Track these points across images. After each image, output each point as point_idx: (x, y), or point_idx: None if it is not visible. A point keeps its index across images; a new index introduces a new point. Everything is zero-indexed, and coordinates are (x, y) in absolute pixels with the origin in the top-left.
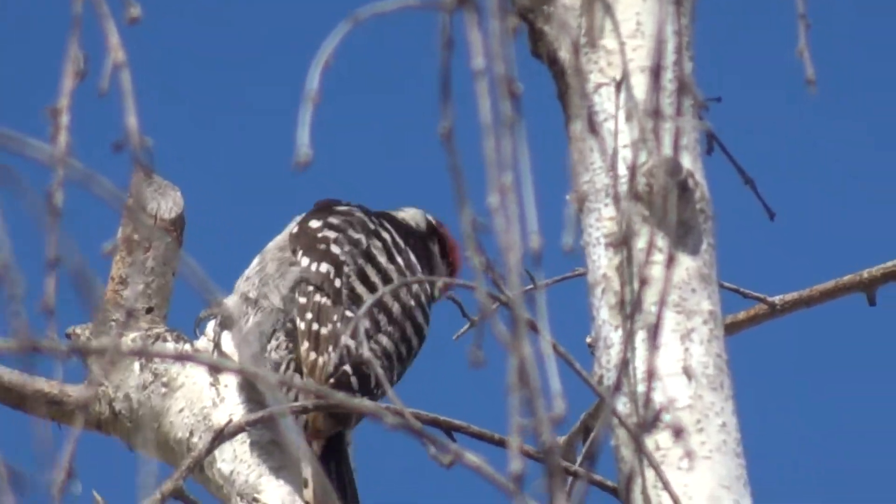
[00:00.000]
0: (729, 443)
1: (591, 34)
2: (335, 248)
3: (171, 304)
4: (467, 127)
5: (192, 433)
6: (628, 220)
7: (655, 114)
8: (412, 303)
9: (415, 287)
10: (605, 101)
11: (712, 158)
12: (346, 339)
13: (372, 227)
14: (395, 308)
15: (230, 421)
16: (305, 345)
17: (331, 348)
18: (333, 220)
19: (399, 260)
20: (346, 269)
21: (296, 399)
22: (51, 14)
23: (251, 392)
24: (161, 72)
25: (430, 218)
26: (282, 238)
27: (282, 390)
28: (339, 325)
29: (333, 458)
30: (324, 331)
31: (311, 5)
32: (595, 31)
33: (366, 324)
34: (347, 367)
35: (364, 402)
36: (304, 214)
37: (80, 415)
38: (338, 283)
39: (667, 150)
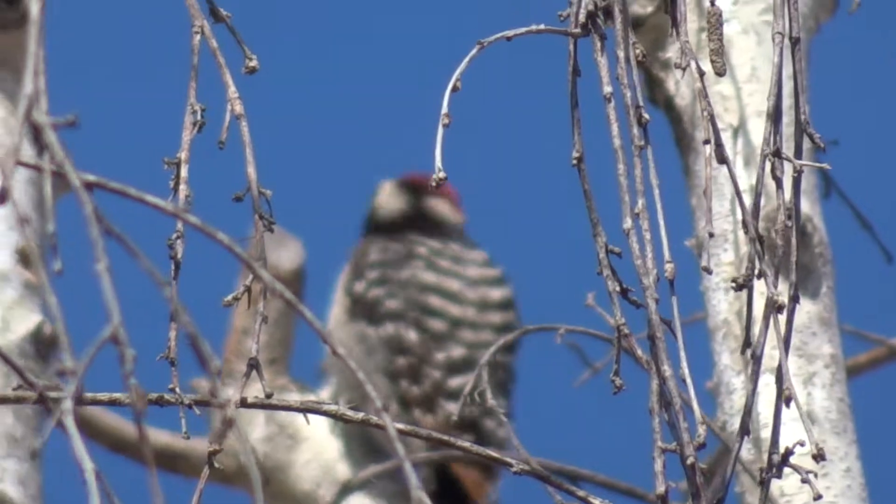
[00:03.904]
0: (854, 487)
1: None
2: (390, 303)
3: (293, 355)
4: (591, 153)
5: (318, 485)
6: (748, 264)
7: (773, 158)
8: (482, 290)
9: (473, 272)
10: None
11: (830, 202)
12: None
13: (406, 249)
14: (469, 312)
15: (357, 474)
16: (416, 411)
17: (443, 402)
18: (372, 273)
19: (444, 263)
20: (410, 314)
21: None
22: (167, 62)
23: (374, 442)
24: (278, 123)
25: (398, 182)
26: (340, 311)
27: (406, 440)
28: (435, 373)
29: None
30: (421, 390)
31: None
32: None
33: (459, 350)
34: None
35: (489, 450)
36: (344, 270)
37: (205, 468)
38: (412, 335)
39: (785, 194)
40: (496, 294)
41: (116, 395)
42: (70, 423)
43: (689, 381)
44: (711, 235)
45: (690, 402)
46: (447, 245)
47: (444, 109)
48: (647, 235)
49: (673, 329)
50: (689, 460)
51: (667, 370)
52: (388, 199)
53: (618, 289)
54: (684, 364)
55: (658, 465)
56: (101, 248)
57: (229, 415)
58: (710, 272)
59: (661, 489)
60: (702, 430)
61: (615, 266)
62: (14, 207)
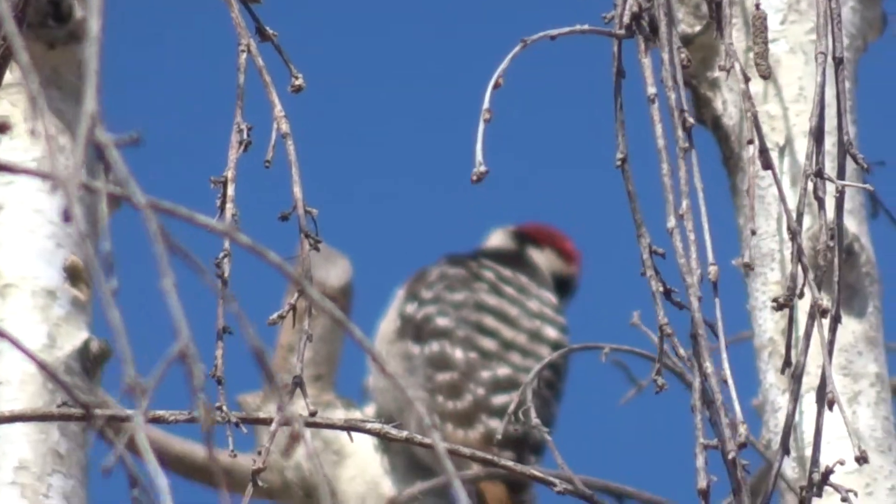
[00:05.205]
0: None
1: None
2: (440, 321)
3: (340, 372)
4: (637, 156)
5: (363, 501)
6: (790, 283)
7: (818, 177)
8: (538, 324)
9: (534, 306)
10: None
11: (878, 222)
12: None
13: (470, 273)
14: (521, 338)
15: (401, 490)
16: (448, 425)
17: (485, 418)
18: (426, 293)
19: (509, 290)
20: (459, 333)
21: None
22: (212, 81)
23: (418, 459)
24: (321, 141)
25: (510, 229)
26: (389, 329)
27: (451, 458)
28: (479, 390)
29: None
30: (460, 405)
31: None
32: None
33: (505, 370)
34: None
35: (532, 469)
36: (399, 292)
37: (250, 484)
38: (458, 353)
39: (830, 214)
40: (552, 333)
41: (160, 412)
42: (143, 439)
43: (730, 380)
44: (754, 233)
45: (731, 402)
46: (517, 276)
47: (486, 105)
48: (692, 236)
49: (715, 330)
50: (730, 455)
51: (709, 367)
52: (494, 240)
53: (661, 289)
54: (726, 365)
55: (700, 462)
56: (167, 264)
57: (297, 430)
58: (751, 268)
59: (702, 484)
60: (743, 429)
61: (659, 268)
62: (75, 225)
